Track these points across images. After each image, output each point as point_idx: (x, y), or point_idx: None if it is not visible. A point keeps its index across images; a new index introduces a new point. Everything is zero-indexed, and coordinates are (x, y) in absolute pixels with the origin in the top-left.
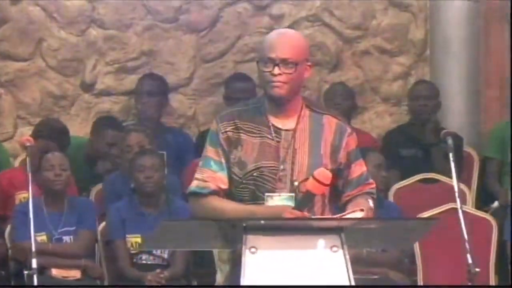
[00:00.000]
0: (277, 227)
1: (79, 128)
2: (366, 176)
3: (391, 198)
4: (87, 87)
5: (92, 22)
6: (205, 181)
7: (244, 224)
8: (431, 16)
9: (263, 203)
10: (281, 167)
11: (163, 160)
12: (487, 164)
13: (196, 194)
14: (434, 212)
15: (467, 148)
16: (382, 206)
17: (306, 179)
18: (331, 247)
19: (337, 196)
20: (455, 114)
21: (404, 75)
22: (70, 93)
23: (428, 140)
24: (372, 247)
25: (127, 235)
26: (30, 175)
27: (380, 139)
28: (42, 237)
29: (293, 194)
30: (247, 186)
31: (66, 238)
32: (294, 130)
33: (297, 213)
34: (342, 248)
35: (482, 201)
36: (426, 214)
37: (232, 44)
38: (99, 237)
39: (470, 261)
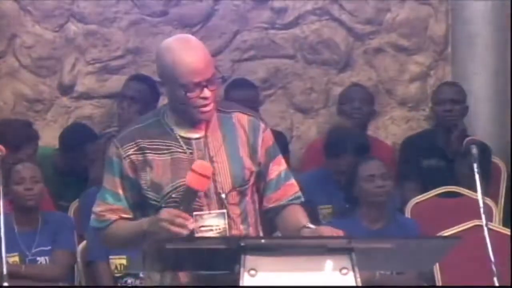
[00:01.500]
0: (279, 246)
1: (56, 136)
2: (285, 176)
3: (407, 214)
4: (65, 90)
5: (71, 16)
6: (103, 215)
7: (242, 244)
8: (453, 9)
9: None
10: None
11: None
12: None
13: (97, 229)
14: (457, 230)
15: (494, 159)
16: (394, 221)
17: (233, 189)
18: (341, 269)
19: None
20: (480, 121)
21: (423, 75)
22: (46, 96)
23: (453, 149)
24: (386, 269)
25: (110, 256)
26: (1, 188)
27: (397, 148)
28: (14, 258)
29: (224, 211)
30: None
31: (41, 259)
32: (205, 137)
33: (175, 212)
34: (353, 270)
35: (511, 218)
36: (447, 232)
37: (229, 40)
38: (78, 258)
39: (496, 284)
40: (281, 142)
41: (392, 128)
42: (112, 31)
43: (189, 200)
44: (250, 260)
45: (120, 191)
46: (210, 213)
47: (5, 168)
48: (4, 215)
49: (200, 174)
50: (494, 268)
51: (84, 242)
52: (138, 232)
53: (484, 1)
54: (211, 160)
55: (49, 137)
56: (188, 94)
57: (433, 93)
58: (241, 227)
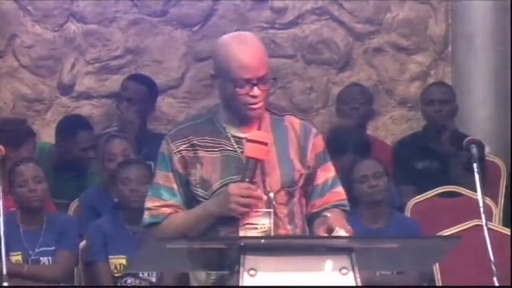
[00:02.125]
0: (279, 246)
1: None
2: (333, 183)
3: (407, 213)
4: (65, 89)
5: (70, 16)
6: (158, 209)
7: (241, 244)
8: (453, 9)
9: (239, 221)
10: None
11: (151, 171)
12: None
13: (152, 225)
14: (456, 230)
15: (493, 158)
16: (394, 220)
17: (281, 188)
18: (340, 269)
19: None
20: (480, 120)
21: (423, 75)
22: (45, 95)
23: (445, 149)
24: (387, 269)
25: (110, 256)
26: (1, 187)
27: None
28: (17, 257)
29: (271, 210)
30: None
31: (44, 259)
32: None
33: (243, 185)
34: (353, 270)
35: (511, 218)
36: (447, 232)
37: None
38: (79, 259)
39: (496, 284)
40: None
41: (392, 127)
42: (111, 30)
43: (252, 172)
44: (250, 260)
45: (175, 186)
46: (256, 211)
47: (7, 168)
48: (9, 213)
49: (257, 142)
50: (494, 268)
51: (84, 242)
52: (202, 217)
53: (484, 0)
54: (262, 160)
55: (48, 136)
56: (237, 89)
57: (422, 93)
58: (289, 227)
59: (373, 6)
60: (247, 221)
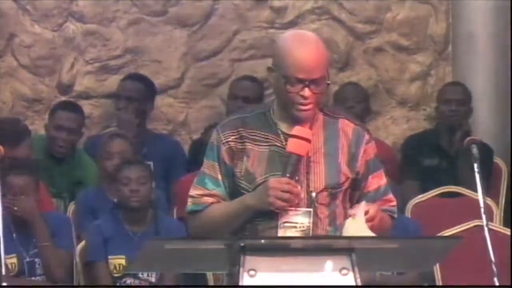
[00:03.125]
0: (279, 246)
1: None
2: (385, 190)
3: (408, 213)
4: (64, 89)
5: (70, 16)
6: (200, 198)
7: (241, 244)
8: (454, 8)
9: (279, 219)
10: (296, 177)
11: (151, 171)
12: None
13: (194, 212)
14: (457, 230)
15: (495, 159)
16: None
17: (324, 189)
18: (340, 270)
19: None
20: (480, 120)
21: (423, 75)
22: (45, 95)
23: (456, 149)
24: (387, 270)
25: (109, 257)
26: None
27: (397, 147)
28: (12, 260)
29: (310, 209)
30: None
31: (39, 261)
32: None
33: (283, 180)
34: (353, 270)
35: (511, 218)
36: (448, 232)
37: (228, 40)
38: (77, 258)
39: (497, 284)
40: None
41: (392, 128)
42: (111, 30)
43: (293, 167)
44: (249, 260)
45: (220, 177)
46: (296, 210)
47: (5, 169)
48: (2, 215)
49: (300, 137)
50: (494, 268)
51: (83, 242)
52: (240, 209)
53: (485, 0)
54: (308, 160)
55: None
56: (288, 87)
57: (439, 92)
58: (328, 228)
59: (374, 5)
60: (286, 220)
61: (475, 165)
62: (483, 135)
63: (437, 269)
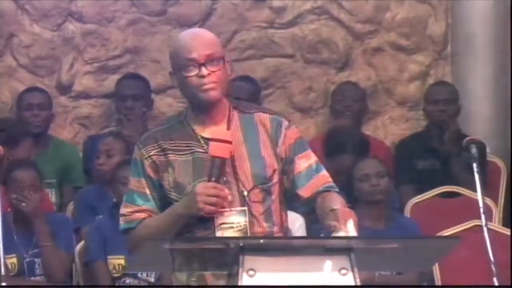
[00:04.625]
0: (278, 246)
1: (54, 135)
2: (317, 168)
3: (407, 214)
4: (64, 89)
5: (69, 16)
6: (132, 215)
7: (240, 244)
8: (453, 8)
9: (214, 221)
10: (224, 179)
11: None
12: None
13: (128, 230)
14: (456, 230)
15: (493, 158)
16: (394, 221)
17: (254, 187)
18: (340, 270)
19: (290, 198)
20: (479, 120)
21: (422, 75)
22: None
23: (447, 149)
24: (386, 270)
25: (109, 256)
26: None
27: (393, 148)
28: (12, 260)
29: (245, 208)
30: None
31: (39, 261)
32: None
33: (209, 185)
34: (352, 270)
35: (510, 218)
36: (447, 232)
37: (228, 40)
38: (77, 258)
39: (496, 284)
40: None
41: (391, 127)
42: (110, 30)
43: (218, 171)
44: (248, 260)
45: (148, 191)
46: (231, 210)
47: (3, 167)
48: (2, 214)
49: (220, 141)
50: (493, 268)
51: (82, 242)
52: (173, 219)
53: (484, 0)
54: (232, 159)
55: None
56: (185, 74)
57: (426, 92)
58: (265, 224)
59: (373, 5)
60: (222, 221)
61: (474, 165)
62: (481, 135)
63: (436, 269)
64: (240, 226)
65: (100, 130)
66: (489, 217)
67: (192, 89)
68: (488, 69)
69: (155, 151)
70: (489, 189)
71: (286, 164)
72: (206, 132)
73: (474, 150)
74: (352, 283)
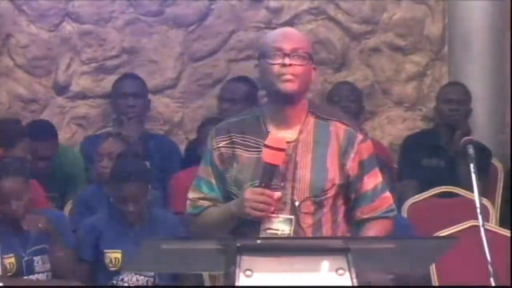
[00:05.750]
0: (275, 247)
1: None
2: (382, 189)
3: (404, 214)
4: (61, 89)
5: (66, 16)
6: (197, 201)
7: (238, 244)
8: (450, 9)
9: (261, 225)
10: (281, 184)
11: (148, 171)
12: None
13: (192, 215)
14: (453, 231)
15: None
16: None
17: (308, 198)
18: (337, 270)
19: (351, 213)
20: (476, 120)
21: (419, 75)
22: (41, 95)
23: (456, 149)
24: (383, 270)
25: (105, 250)
26: None
27: (393, 148)
28: (10, 260)
29: (292, 217)
30: None
31: (37, 259)
32: (296, 141)
33: (258, 191)
34: (349, 270)
35: (508, 218)
36: (444, 233)
37: (225, 40)
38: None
39: (493, 285)
40: None
41: (388, 128)
42: (107, 30)
43: (268, 177)
44: (246, 260)
45: (213, 181)
46: (278, 217)
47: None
48: None
49: (274, 148)
50: (490, 269)
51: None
52: (227, 215)
53: (481, 0)
54: (295, 166)
55: None
56: (269, 61)
57: (439, 91)
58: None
59: (370, 6)
60: (268, 226)
61: (471, 165)
62: (479, 136)
63: (433, 269)
64: (284, 234)
65: (97, 130)
66: (486, 218)
67: (272, 78)
68: (485, 69)
69: (224, 143)
70: (486, 190)
71: (355, 181)
72: (277, 132)
73: (471, 150)
74: (349, 283)
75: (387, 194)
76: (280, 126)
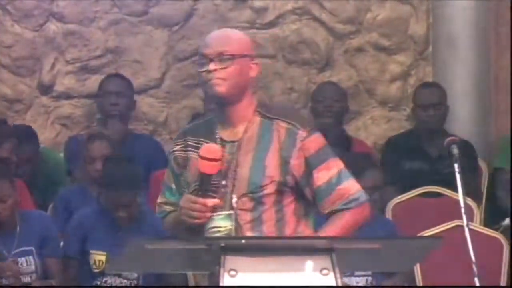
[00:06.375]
0: (260, 247)
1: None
2: (338, 181)
3: (388, 214)
4: (45, 89)
5: (50, 16)
6: (161, 206)
7: (222, 244)
8: (434, 9)
9: (206, 225)
10: (223, 182)
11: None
12: (498, 176)
13: (161, 218)
14: (438, 231)
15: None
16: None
17: (244, 194)
18: (321, 270)
19: (311, 209)
20: (460, 121)
21: (403, 75)
22: (25, 95)
23: (438, 149)
24: (367, 270)
25: (91, 251)
26: None
27: (377, 147)
28: None
29: (231, 212)
30: None
31: (22, 260)
32: (240, 140)
33: (192, 199)
34: (334, 270)
35: (492, 218)
36: (428, 233)
37: None
38: None
39: (477, 284)
40: None
41: (372, 128)
42: (91, 30)
43: (205, 186)
44: (230, 260)
45: (173, 185)
46: (219, 214)
47: None
48: None
49: (208, 159)
50: (475, 268)
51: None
52: (178, 222)
53: (465, 0)
54: (237, 165)
55: None
56: (198, 68)
57: (414, 94)
58: (248, 233)
59: (354, 6)
60: (212, 224)
61: (456, 165)
62: (463, 135)
63: (417, 269)
64: (226, 230)
65: (82, 130)
66: (470, 218)
67: (203, 84)
68: (469, 69)
69: (179, 146)
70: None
71: (305, 178)
72: (224, 133)
73: (455, 150)
74: (334, 283)
75: (345, 185)
76: (226, 127)
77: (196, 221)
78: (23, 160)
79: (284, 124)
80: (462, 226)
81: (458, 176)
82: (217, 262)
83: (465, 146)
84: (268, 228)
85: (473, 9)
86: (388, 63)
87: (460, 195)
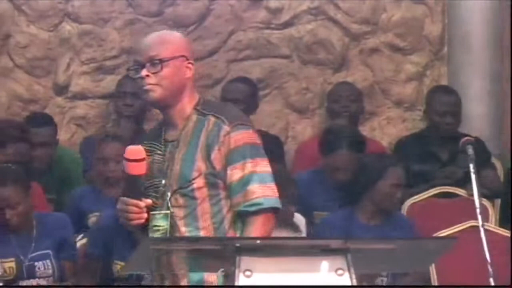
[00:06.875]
0: (275, 247)
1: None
2: (248, 181)
3: (403, 213)
4: (60, 90)
5: (65, 16)
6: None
7: (237, 244)
8: (449, 9)
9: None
10: (163, 181)
11: None
12: None
13: None
14: (453, 231)
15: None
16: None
17: (175, 190)
18: (336, 270)
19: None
20: (475, 120)
21: (419, 75)
22: (40, 96)
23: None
24: (382, 270)
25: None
26: None
27: (392, 148)
28: (10, 264)
29: (168, 212)
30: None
31: (39, 264)
32: (178, 139)
33: (125, 201)
34: (349, 271)
35: (507, 218)
36: (443, 233)
37: (224, 40)
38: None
39: (493, 284)
40: (276, 145)
41: (388, 128)
42: (107, 31)
43: (134, 187)
44: (245, 261)
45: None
46: (159, 213)
47: None
48: None
49: (133, 160)
50: (490, 269)
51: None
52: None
53: (480, 0)
54: (172, 163)
55: None
56: (133, 75)
57: (430, 97)
58: (183, 229)
59: (369, 6)
60: (152, 223)
61: (471, 166)
62: (477, 135)
63: (433, 269)
64: (163, 229)
65: (97, 130)
66: (485, 218)
67: (138, 90)
68: (484, 69)
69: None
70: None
71: (220, 172)
72: (169, 134)
73: (471, 150)
74: (349, 284)
75: (252, 186)
76: (169, 128)
77: (133, 222)
78: (39, 145)
79: (213, 118)
80: (477, 227)
81: (473, 177)
82: (233, 262)
83: (476, 142)
84: (205, 222)
85: (488, 9)
86: (403, 63)
87: (475, 196)
